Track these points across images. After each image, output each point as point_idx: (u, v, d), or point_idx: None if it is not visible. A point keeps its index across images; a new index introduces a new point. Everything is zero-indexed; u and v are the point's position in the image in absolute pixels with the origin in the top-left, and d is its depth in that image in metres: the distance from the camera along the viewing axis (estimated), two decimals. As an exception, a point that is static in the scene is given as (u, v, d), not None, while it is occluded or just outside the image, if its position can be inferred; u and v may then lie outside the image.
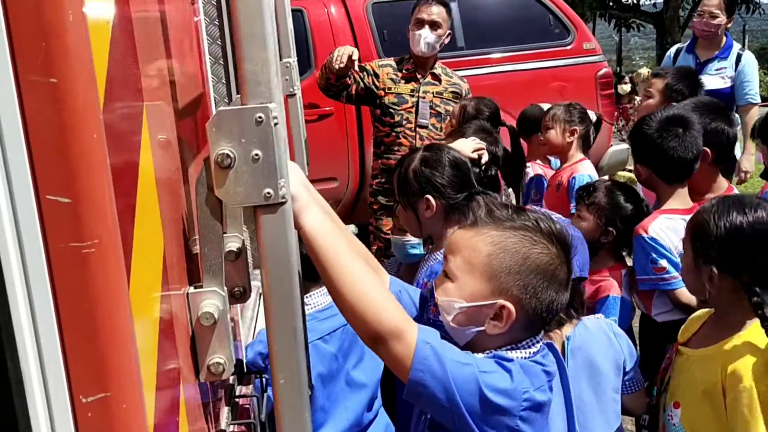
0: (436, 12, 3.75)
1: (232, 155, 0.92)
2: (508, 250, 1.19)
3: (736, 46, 4.42)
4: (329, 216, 1.14)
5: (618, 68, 27.83)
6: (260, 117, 0.92)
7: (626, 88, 9.74)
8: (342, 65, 3.47)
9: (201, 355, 0.97)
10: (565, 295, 1.24)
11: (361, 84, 3.73)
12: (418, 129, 3.70)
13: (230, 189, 0.93)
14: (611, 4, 21.30)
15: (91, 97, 0.62)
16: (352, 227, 5.14)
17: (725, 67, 4.29)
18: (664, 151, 2.38)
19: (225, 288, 0.99)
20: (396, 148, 3.72)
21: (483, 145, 2.42)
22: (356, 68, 3.60)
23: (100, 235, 0.63)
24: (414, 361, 1.08)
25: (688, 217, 2.36)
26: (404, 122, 3.72)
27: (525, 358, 1.20)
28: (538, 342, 1.24)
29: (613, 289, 2.39)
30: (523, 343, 1.22)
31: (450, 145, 2.27)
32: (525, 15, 5.54)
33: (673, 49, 4.76)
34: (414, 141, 3.69)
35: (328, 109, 5.08)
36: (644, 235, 2.34)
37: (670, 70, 3.50)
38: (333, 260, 1.06)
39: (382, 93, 3.76)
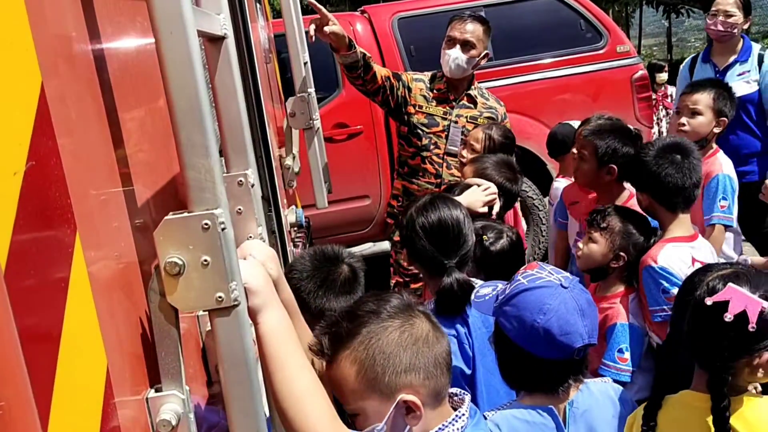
0: (470, 30, 3.41)
1: (180, 262, 0.92)
2: (367, 360, 1.21)
3: (756, 47, 4.02)
4: (288, 309, 1.16)
5: (668, 55, 26.98)
6: (206, 224, 0.91)
7: (663, 77, 9.51)
8: (312, 40, 3.08)
9: (164, 460, 0.96)
10: (443, 341, 1.27)
11: (397, 92, 3.43)
12: (446, 156, 3.42)
13: (182, 295, 0.93)
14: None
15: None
16: (386, 244, 5.12)
17: (748, 71, 3.91)
18: (662, 178, 2.36)
19: (186, 388, 0.98)
20: (421, 174, 3.49)
21: (495, 196, 2.39)
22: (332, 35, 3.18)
23: (6, 396, 0.63)
24: None
25: (693, 244, 2.38)
26: (432, 146, 3.45)
27: None
28: (462, 416, 1.28)
29: (620, 316, 2.34)
30: (447, 422, 1.26)
31: (460, 198, 2.22)
32: (555, 20, 5.38)
33: (687, 60, 4.40)
34: (440, 168, 3.45)
35: (357, 127, 5.09)
36: (654, 264, 2.29)
37: (706, 84, 3.22)
38: (278, 367, 1.09)
39: (412, 110, 3.47)
